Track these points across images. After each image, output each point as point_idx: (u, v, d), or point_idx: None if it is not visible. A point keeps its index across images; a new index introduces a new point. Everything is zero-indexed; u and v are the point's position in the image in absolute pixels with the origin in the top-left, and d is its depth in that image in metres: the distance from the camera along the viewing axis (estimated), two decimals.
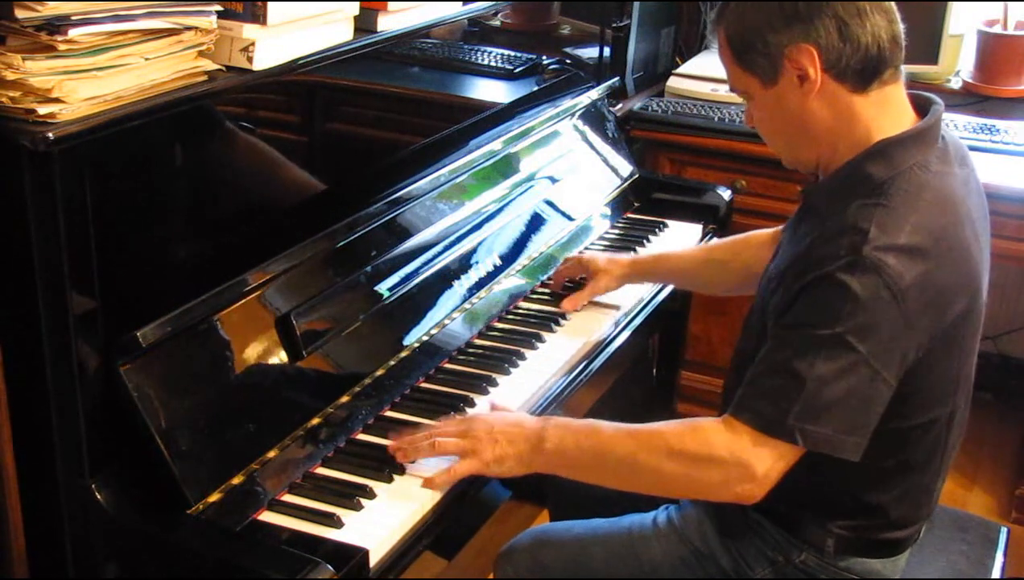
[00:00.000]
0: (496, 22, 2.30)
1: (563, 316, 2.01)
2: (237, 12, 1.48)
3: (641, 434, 1.46)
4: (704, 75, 2.98)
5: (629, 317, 2.10)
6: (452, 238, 1.96)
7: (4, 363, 1.35)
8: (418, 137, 2.01)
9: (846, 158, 1.47)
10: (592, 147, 2.49)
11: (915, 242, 1.37)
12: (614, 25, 2.71)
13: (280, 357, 1.57)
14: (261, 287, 1.57)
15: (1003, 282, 3.25)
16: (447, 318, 1.87)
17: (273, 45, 1.53)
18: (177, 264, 1.51)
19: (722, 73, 1.58)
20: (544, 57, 2.44)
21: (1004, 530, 1.82)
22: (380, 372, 1.71)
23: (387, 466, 1.54)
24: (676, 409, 2.81)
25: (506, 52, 2.30)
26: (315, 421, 1.58)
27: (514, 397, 1.75)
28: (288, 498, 1.48)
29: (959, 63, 3.08)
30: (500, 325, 1.98)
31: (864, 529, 1.55)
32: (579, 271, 2.09)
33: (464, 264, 1.96)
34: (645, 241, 2.36)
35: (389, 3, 1.77)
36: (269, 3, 1.48)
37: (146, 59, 1.36)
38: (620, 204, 2.50)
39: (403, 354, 1.76)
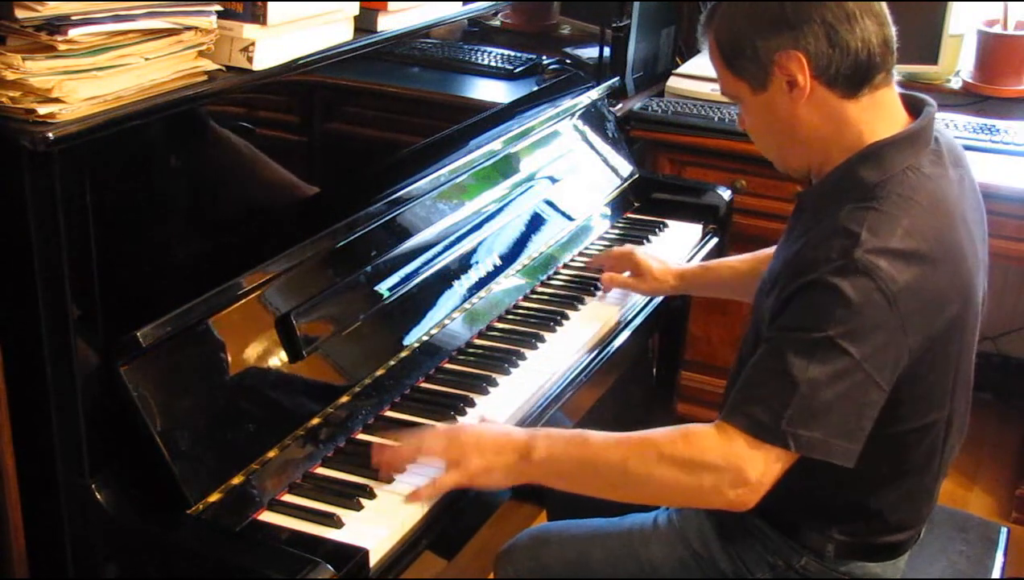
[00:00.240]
0: (496, 22, 2.30)
1: (564, 315, 2.01)
2: (237, 12, 1.48)
3: (631, 441, 1.43)
4: (704, 75, 2.97)
5: (629, 317, 2.10)
6: (452, 238, 1.96)
7: (4, 363, 1.35)
8: (418, 137, 2.01)
9: (838, 162, 1.46)
10: (592, 147, 2.49)
11: (907, 246, 1.35)
12: (614, 25, 2.71)
13: (280, 357, 1.57)
14: (261, 287, 1.57)
15: (1003, 282, 3.25)
16: (447, 318, 1.87)
17: (273, 45, 1.53)
18: (177, 264, 1.51)
19: None
20: (544, 57, 2.44)
21: (1004, 530, 1.82)
22: (380, 372, 1.71)
23: None
24: (676, 409, 2.81)
25: (506, 52, 2.30)
26: (315, 421, 1.58)
27: (514, 397, 1.75)
28: (288, 498, 1.48)
29: (959, 63, 3.08)
30: (500, 325, 1.98)
31: (864, 533, 1.55)
32: (627, 266, 2.08)
33: (464, 264, 1.96)
34: (645, 241, 2.36)
35: (389, 3, 1.77)
36: (269, 3, 1.48)
37: (146, 59, 1.36)
38: (620, 204, 2.49)
39: (403, 354, 1.76)
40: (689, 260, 2.32)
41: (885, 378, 1.36)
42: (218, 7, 1.44)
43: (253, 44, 1.49)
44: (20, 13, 1.23)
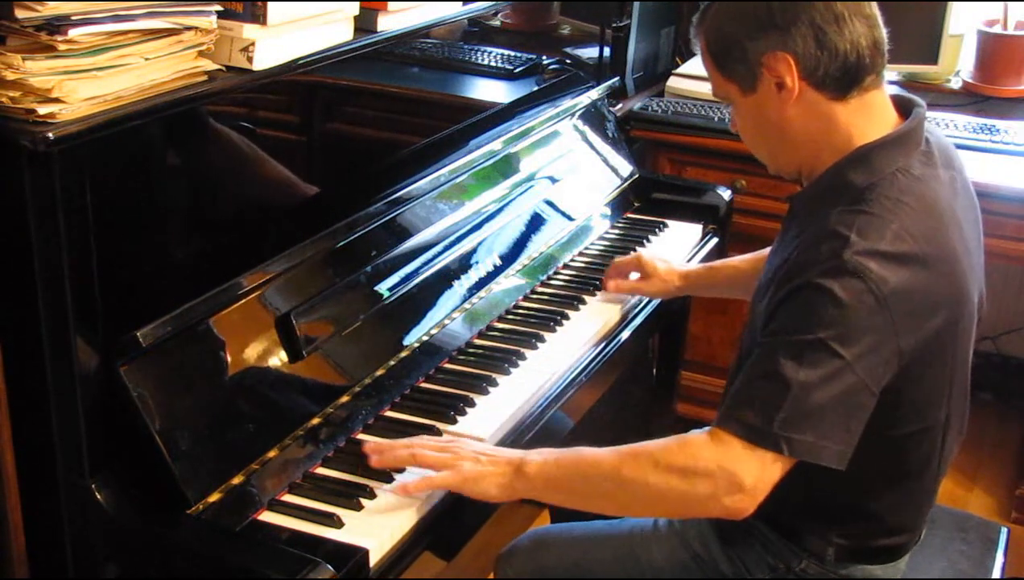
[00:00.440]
0: (496, 22, 2.30)
1: (564, 315, 2.01)
2: (237, 12, 1.48)
3: (625, 450, 1.42)
4: (704, 75, 2.91)
5: (630, 317, 2.10)
6: (452, 238, 1.96)
7: (4, 363, 1.35)
8: (418, 137, 2.01)
9: (828, 164, 1.46)
10: (592, 147, 2.49)
11: (898, 248, 1.35)
12: (614, 25, 2.71)
13: (280, 357, 1.57)
14: (261, 287, 1.57)
15: (1003, 282, 3.25)
16: (447, 318, 1.87)
17: (273, 45, 1.53)
18: (177, 264, 1.51)
19: None
20: (544, 57, 2.44)
21: (1004, 530, 1.82)
22: (380, 372, 1.71)
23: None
24: (676, 409, 2.81)
25: (506, 52, 2.30)
26: (315, 421, 1.58)
27: (514, 397, 1.75)
28: (288, 498, 1.48)
29: (959, 63, 3.08)
30: (500, 325, 1.97)
31: (863, 536, 1.55)
32: (635, 268, 2.09)
33: (464, 264, 1.96)
34: (645, 241, 2.36)
35: (389, 3, 1.77)
36: (269, 3, 1.48)
37: (146, 59, 1.36)
38: (620, 204, 2.49)
39: (403, 354, 1.76)
40: (689, 260, 2.33)
41: (876, 380, 1.35)
42: (218, 7, 1.44)
43: (253, 44, 1.49)
44: (20, 13, 1.23)
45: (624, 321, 2.08)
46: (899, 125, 1.46)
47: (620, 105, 2.83)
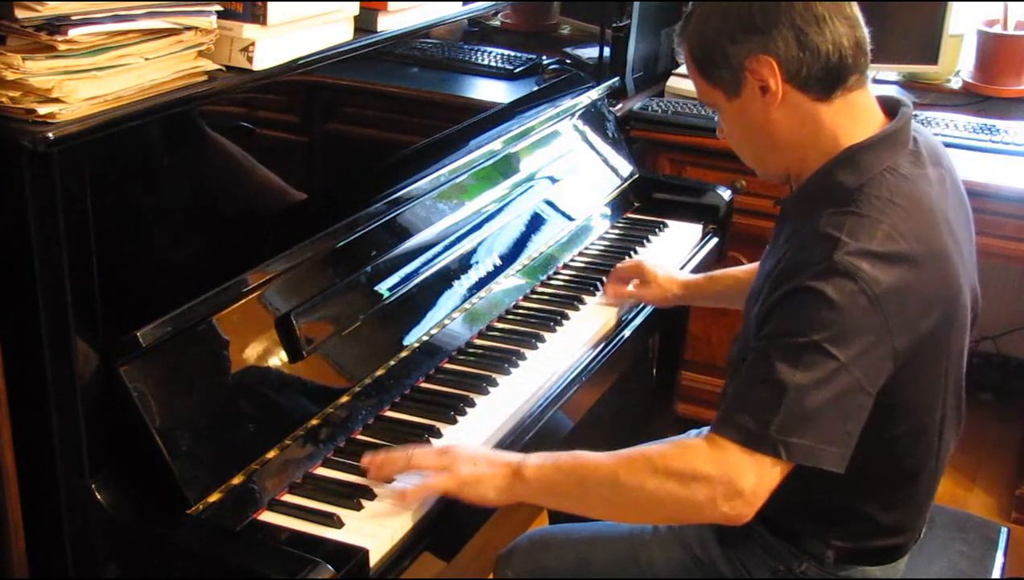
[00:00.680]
0: (496, 22, 2.30)
1: (564, 315, 2.01)
2: (237, 12, 1.48)
3: (623, 455, 1.41)
4: None
5: (630, 317, 2.10)
6: (452, 238, 1.96)
7: (4, 363, 1.35)
8: (418, 137, 2.01)
9: (816, 167, 1.46)
10: (592, 147, 2.49)
11: (889, 248, 1.34)
12: (614, 25, 2.71)
13: (280, 357, 1.57)
14: (261, 287, 1.57)
15: (1003, 282, 3.25)
16: (447, 318, 1.87)
17: (273, 45, 1.53)
18: (177, 264, 1.51)
19: None
20: (544, 57, 2.44)
21: (1004, 530, 1.82)
22: (380, 372, 1.71)
23: None
24: (676, 409, 2.81)
25: (506, 52, 2.30)
26: (315, 421, 1.58)
27: (514, 397, 1.75)
28: (288, 498, 1.48)
29: (959, 63, 3.08)
30: (500, 325, 1.97)
31: (862, 538, 1.55)
32: (636, 274, 2.09)
33: (464, 264, 1.96)
34: (645, 241, 2.36)
35: (389, 3, 1.77)
36: (269, 3, 1.48)
37: (146, 59, 1.36)
38: (620, 204, 2.49)
39: (403, 354, 1.76)
40: (689, 260, 2.33)
41: (872, 381, 1.35)
42: (218, 7, 1.44)
43: (253, 44, 1.49)
44: (20, 13, 1.23)
45: (624, 321, 2.08)
46: (886, 125, 1.46)
47: (620, 105, 2.83)
